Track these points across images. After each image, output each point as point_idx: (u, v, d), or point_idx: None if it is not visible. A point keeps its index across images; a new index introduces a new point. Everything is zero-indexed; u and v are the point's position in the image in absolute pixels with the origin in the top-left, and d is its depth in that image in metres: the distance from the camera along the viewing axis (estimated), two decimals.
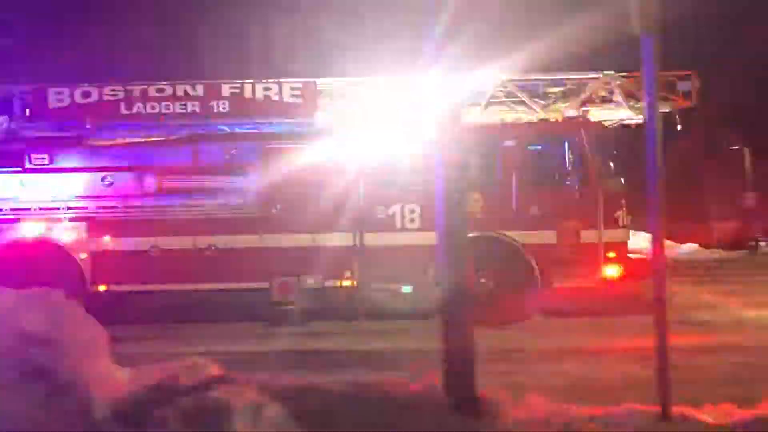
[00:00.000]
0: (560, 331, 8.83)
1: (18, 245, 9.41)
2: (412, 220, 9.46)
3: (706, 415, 4.09)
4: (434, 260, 7.41)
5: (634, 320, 7.69)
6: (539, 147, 9.68)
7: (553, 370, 6.62)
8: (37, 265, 9.16)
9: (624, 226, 9.48)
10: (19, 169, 9.56)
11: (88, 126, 9.61)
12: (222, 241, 9.45)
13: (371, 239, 9.39)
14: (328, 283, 9.51)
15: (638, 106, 9.30)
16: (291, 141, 9.65)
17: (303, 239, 9.40)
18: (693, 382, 5.95)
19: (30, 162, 9.57)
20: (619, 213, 9.39)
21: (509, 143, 9.54)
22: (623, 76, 9.70)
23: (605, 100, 9.91)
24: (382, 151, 9.48)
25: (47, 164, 9.59)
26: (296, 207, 9.31)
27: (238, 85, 9.66)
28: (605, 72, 9.84)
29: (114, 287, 9.54)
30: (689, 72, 9.88)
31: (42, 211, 9.47)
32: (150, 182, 9.49)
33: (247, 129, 9.93)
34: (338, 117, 9.70)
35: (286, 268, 9.31)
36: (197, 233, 9.45)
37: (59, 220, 9.48)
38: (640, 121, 8.83)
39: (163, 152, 9.73)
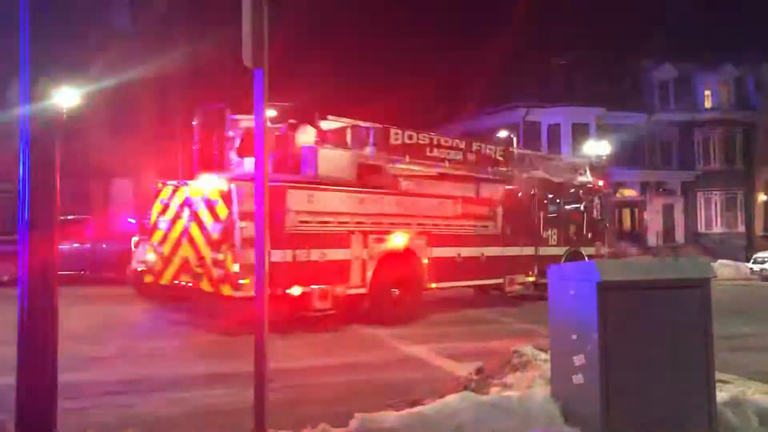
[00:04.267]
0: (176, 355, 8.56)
1: (392, 253, 11.42)
2: (554, 239, 15.19)
3: None
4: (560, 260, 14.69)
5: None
6: (593, 201, 16.49)
7: (172, 398, 6.23)
8: (402, 268, 11.54)
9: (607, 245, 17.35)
10: (395, 192, 11.85)
11: (407, 160, 12.11)
12: (486, 251, 13.20)
13: (541, 251, 14.68)
14: (525, 279, 14.13)
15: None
16: (506, 183, 14.14)
17: (516, 250, 13.88)
18: (312, 401, 6.14)
19: (401, 186, 12.13)
20: (607, 238, 17.41)
21: (586, 197, 16.26)
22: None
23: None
24: (543, 194, 15.14)
25: (412, 189, 12.29)
26: (514, 228, 13.85)
27: (479, 145, 14.00)
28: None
29: (439, 284, 12.29)
30: None
31: (405, 226, 11.65)
32: (455, 207, 12.71)
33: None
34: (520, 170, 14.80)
35: (510, 268, 13.74)
36: (475, 245, 12.98)
37: (414, 234, 11.79)
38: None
39: (452, 186, 13.00)
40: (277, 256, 9.61)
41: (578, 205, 15.94)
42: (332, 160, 10.96)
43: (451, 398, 4.40)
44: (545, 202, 15.00)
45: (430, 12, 45.23)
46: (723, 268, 24.55)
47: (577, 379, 4.10)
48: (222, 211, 9.61)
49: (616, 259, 18.05)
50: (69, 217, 17.38)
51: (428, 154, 12.41)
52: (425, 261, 11.89)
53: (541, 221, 14.76)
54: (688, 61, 37.30)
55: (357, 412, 4.36)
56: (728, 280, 22.00)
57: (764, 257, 24.07)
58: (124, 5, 26.47)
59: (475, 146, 13.70)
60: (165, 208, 10.60)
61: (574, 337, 4.12)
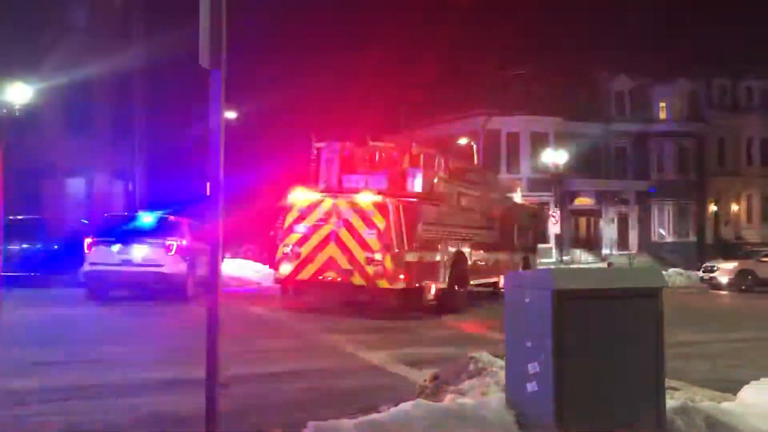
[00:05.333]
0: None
1: (457, 256, 13.79)
2: (520, 247, 18.29)
3: None
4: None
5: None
6: (535, 215, 20.85)
7: (122, 405, 6.06)
8: (459, 267, 13.74)
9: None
10: (461, 206, 14.62)
11: (458, 181, 14.86)
12: (491, 255, 16.24)
13: (515, 257, 17.91)
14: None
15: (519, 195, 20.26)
16: (499, 200, 17.40)
17: (504, 255, 16.98)
18: (267, 408, 6.05)
19: (461, 202, 14.95)
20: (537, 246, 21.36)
21: (532, 214, 20.25)
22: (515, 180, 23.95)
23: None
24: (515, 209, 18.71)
25: (464, 204, 15.07)
26: (504, 237, 16.90)
27: (486, 169, 20.89)
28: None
29: (475, 283, 15.15)
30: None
31: (462, 235, 14.27)
32: (480, 219, 15.50)
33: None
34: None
35: (503, 270, 15.62)
36: (488, 250, 15.81)
37: (465, 241, 14.35)
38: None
39: (476, 201, 15.59)
40: (412, 257, 12.09)
41: (528, 219, 19.41)
42: (427, 180, 13.30)
43: (405, 406, 4.37)
44: (516, 216, 18.13)
45: (390, 18, 45.46)
46: (675, 276, 25.16)
47: (532, 386, 4.11)
48: (379, 220, 11.80)
49: (568, 268, 19.37)
50: (19, 217, 16.87)
51: (467, 176, 15.30)
52: (470, 263, 14.48)
53: (514, 231, 17.87)
54: (644, 73, 38.20)
55: (311, 420, 4.31)
56: (680, 288, 22.52)
57: (713, 266, 24.74)
58: (79, 2, 25.88)
59: (483, 170, 18.47)
60: (303, 215, 12.38)
61: (529, 344, 4.14)
